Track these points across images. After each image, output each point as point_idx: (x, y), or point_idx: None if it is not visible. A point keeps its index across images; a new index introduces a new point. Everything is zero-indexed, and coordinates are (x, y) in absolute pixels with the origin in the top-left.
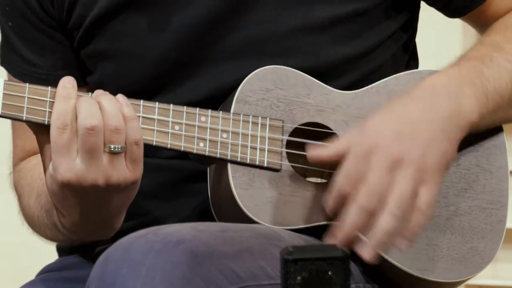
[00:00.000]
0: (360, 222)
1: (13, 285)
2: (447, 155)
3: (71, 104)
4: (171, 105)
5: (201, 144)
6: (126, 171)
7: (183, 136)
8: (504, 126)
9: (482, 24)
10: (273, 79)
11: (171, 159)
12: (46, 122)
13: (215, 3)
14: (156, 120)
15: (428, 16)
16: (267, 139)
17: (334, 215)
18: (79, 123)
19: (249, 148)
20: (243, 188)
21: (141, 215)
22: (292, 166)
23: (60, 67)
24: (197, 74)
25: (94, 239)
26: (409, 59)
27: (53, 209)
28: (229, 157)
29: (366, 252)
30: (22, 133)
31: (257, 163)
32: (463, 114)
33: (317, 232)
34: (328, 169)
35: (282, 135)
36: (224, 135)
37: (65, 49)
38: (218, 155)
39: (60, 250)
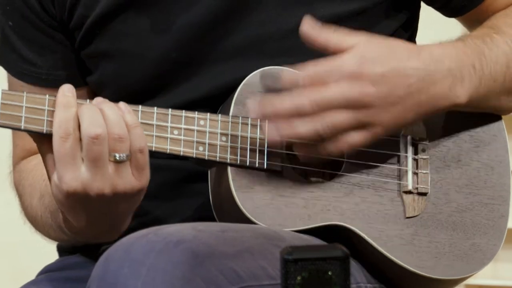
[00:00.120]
0: (289, 109)
1: (13, 285)
2: (404, 123)
3: (72, 112)
4: (170, 109)
5: (201, 148)
6: (132, 179)
7: (182, 141)
8: (505, 120)
9: (480, 23)
10: (272, 80)
11: (171, 159)
12: (44, 131)
13: (215, 3)
14: (154, 126)
15: (427, 15)
16: (266, 141)
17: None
18: (83, 132)
19: (248, 150)
20: (244, 190)
21: (142, 215)
22: (293, 168)
23: (60, 67)
24: (198, 74)
25: (100, 242)
26: None
27: (58, 211)
28: (228, 161)
29: (272, 133)
30: (22, 133)
31: (256, 165)
32: (450, 97)
33: (318, 232)
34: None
35: None
36: (223, 138)
37: (65, 49)
38: (217, 159)
39: (61, 250)
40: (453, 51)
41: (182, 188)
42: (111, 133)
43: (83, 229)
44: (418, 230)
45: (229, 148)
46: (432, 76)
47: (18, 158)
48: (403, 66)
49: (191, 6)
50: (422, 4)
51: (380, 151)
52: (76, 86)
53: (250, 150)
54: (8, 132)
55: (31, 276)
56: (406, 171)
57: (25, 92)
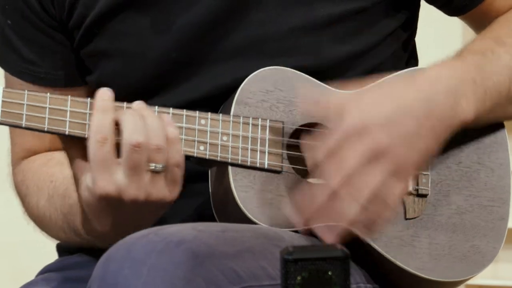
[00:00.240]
0: (325, 203)
1: (13, 285)
2: (429, 153)
3: (110, 117)
4: (171, 108)
5: (202, 148)
6: (165, 191)
7: (183, 140)
8: (506, 123)
9: (481, 23)
10: (273, 80)
11: None
12: (45, 129)
13: (215, 3)
14: None
15: (427, 14)
16: (267, 141)
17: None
18: (124, 139)
19: (249, 150)
20: (244, 190)
21: None
22: (293, 168)
23: (60, 66)
24: (198, 74)
25: (111, 243)
26: (409, 58)
27: (73, 214)
28: (229, 160)
29: (328, 235)
30: (21, 131)
31: (257, 165)
32: (458, 114)
33: None
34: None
35: (283, 136)
36: (224, 137)
37: (65, 49)
38: (218, 158)
39: (61, 250)
40: (451, 70)
41: (182, 188)
42: (150, 143)
43: (105, 233)
44: (418, 231)
45: (230, 147)
46: (433, 98)
47: (18, 158)
48: (403, 100)
49: (191, 6)
50: (422, 2)
51: None
52: (75, 85)
53: (251, 150)
54: (8, 131)
55: (31, 276)
56: None
57: (26, 90)
